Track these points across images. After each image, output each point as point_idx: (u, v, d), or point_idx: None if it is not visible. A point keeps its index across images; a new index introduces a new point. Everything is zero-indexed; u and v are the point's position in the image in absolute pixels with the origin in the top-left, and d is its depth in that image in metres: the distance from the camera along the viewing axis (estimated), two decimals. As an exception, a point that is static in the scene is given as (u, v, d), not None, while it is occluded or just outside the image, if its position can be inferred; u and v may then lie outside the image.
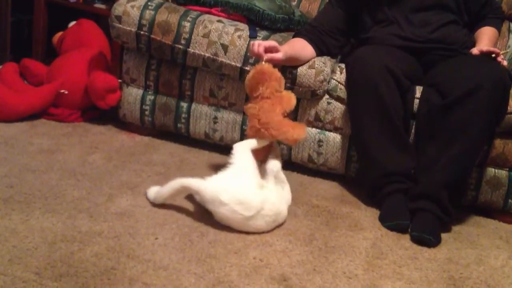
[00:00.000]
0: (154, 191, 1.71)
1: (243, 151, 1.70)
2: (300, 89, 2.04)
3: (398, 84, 1.90)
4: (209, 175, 1.66)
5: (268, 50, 1.86)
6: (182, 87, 2.19)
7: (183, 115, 2.21)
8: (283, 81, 1.84)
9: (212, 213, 1.61)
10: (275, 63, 1.86)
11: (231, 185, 1.60)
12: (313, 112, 2.09)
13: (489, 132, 1.89)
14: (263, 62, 1.83)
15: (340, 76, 2.06)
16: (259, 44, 1.86)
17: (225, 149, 1.81)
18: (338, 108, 2.07)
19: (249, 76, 1.82)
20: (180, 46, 2.10)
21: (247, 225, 1.60)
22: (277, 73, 1.81)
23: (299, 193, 1.97)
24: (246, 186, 1.62)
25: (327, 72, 2.04)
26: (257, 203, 1.59)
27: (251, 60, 2.04)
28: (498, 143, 1.98)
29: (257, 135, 1.75)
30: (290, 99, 1.81)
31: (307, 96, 2.06)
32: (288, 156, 2.16)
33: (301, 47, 2.04)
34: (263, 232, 1.63)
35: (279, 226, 1.69)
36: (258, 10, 2.21)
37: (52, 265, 1.30)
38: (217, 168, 1.74)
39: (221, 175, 1.64)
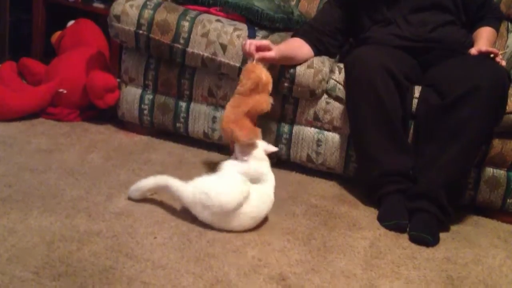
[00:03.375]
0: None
1: (231, 169, 1.72)
2: (299, 89, 2.04)
3: (396, 84, 1.90)
4: (207, 174, 1.67)
5: (259, 49, 1.87)
6: (181, 87, 2.19)
7: (182, 115, 2.21)
8: (269, 84, 1.85)
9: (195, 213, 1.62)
10: (267, 62, 1.87)
11: (211, 187, 1.60)
12: (311, 111, 2.10)
13: (487, 132, 1.89)
14: (254, 61, 1.86)
15: (339, 76, 2.06)
16: (250, 43, 1.87)
17: (224, 149, 1.82)
18: (336, 108, 2.07)
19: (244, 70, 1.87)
20: (179, 46, 2.10)
21: (230, 224, 1.59)
22: (262, 75, 1.82)
23: (298, 193, 1.97)
24: (225, 185, 1.62)
25: (325, 71, 2.04)
26: (237, 201, 1.58)
27: (249, 60, 2.04)
28: (497, 143, 1.98)
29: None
30: (260, 103, 1.82)
31: (306, 96, 2.06)
32: (287, 156, 2.16)
33: (297, 46, 2.04)
34: (261, 231, 1.63)
35: (275, 224, 1.70)
36: (257, 9, 2.20)
37: (51, 264, 1.30)
38: (216, 167, 1.74)
39: (199, 180, 1.64)
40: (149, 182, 1.69)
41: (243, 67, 2.04)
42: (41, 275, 1.26)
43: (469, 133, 1.80)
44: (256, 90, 1.82)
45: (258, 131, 1.83)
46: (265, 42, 1.91)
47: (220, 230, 1.59)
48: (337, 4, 2.18)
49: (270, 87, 1.86)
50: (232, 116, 1.80)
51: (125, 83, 2.27)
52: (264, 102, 1.84)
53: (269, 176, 1.75)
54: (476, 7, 2.18)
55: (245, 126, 1.79)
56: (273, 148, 1.83)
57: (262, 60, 1.86)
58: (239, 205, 1.58)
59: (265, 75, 1.84)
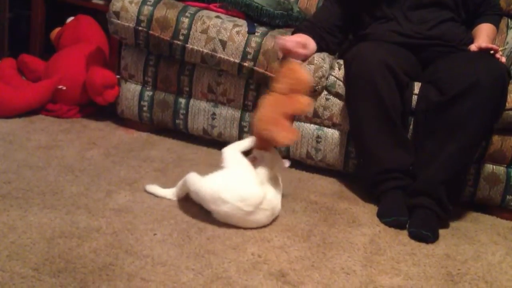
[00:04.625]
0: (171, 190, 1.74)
1: (232, 153, 1.71)
2: (299, 85, 2.03)
3: (396, 80, 1.90)
4: (207, 171, 1.67)
5: (297, 46, 1.86)
6: (180, 83, 2.19)
7: (181, 111, 2.21)
8: (307, 84, 1.78)
9: (211, 212, 1.61)
10: (300, 59, 1.85)
11: (231, 182, 1.60)
12: (311, 108, 2.09)
13: (487, 129, 1.89)
14: (291, 59, 1.83)
15: (339, 72, 2.06)
16: (290, 39, 1.86)
17: (223, 146, 1.82)
18: (336, 104, 2.07)
19: (281, 67, 1.80)
20: (179, 42, 2.10)
21: (247, 220, 1.60)
22: (304, 75, 1.77)
23: (298, 189, 1.97)
24: (246, 182, 1.62)
25: (325, 68, 2.04)
26: (257, 199, 1.59)
27: (249, 56, 2.04)
28: (496, 139, 1.98)
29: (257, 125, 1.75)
30: (302, 104, 1.75)
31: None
32: (287, 153, 2.16)
33: (307, 43, 2.04)
34: (261, 228, 1.63)
35: (275, 220, 1.70)
36: (256, 6, 2.20)
37: (51, 261, 1.30)
38: (215, 164, 1.74)
39: (218, 174, 1.64)
40: (175, 192, 1.73)
41: (242, 63, 2.05)
42: (41, 271, 1.26)
43: (469, 129, 1.80)
44: (296, 90, 1.74)
45: (298, 132, 1.77)
46: (301, 39, 1.88)
47: (220, 226, 1.59)
48: (336, 1, 2.17)
49: (309, 87, 1.80)
50: (271, 116, 1.71)
51: (125, 80, 2.27)
52: (306, 103, 1.74)
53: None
54: (475, 4, 2.18)
55: (285, 127, 1.72)
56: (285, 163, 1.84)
57: (298, 57, 1.84)
58: (259, 203, 1.60)
59: (307, 74, 1.78)
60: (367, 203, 1.95)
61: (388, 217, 1.82)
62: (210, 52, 2.08)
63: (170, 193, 1.74)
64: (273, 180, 1.75)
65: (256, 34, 2.07)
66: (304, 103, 1.75)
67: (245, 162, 1.70)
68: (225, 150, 1.73)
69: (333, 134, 2.10)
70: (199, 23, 2.08)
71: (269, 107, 1.73)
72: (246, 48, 2.05)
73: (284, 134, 1.69)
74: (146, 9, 2.11)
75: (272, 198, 1.66)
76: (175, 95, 2.21)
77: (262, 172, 1.71)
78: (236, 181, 1.61)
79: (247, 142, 1.78)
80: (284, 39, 1.87)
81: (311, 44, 2.06)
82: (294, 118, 1.79)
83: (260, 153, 1.76)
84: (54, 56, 2.49)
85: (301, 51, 1.86)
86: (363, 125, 1.94)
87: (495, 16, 2.21)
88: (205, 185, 1.60)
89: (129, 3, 2.12)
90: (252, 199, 1.58)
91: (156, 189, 1.75)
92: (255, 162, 1.74)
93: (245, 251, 1.50)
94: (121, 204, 1.65)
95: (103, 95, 2.26)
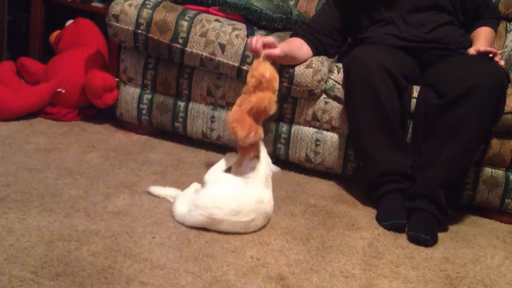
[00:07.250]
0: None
1: (212, 175, 1.72)
2: (298, 89, 2.04)
3: (395, 84, 1.90)
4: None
5: (266, 46, 1.85)
6: (179, 86, 2.19)
7: (181, 114, 2.21)
8: (274, 81, 1.80)
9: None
10: (272, 59, 1.86)
11: (218, 200, 1.58)
12: (310, 111, 2.10)
13: (486, 132, 1.90)
14: (261, 58, 1.82)
15: (338, 75, 2.06)
16: (257, 40, 1.84)
17: (222, 148, 1.82)
18: (335, 107, 2.07)
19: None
20: (178, 45, 2.10)
21: (250, 227, 1.61)
22: (267, 72, 1.77)
23: (296, 193, 1.97)
24: (234, 194, 1.62)
25: (324, 71, 2.04)
26: (253, 206, 1.60)
27: (248, 60, 2.04)
28: (495, 142, 1.98)
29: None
30: (262, 100, 1.76)
31: (305, 96, 2.06)
32: (286, 156, 2.16)
33: (298, 46, 2.04)
34: (260, 231, 1.63)
35: (274, 224, 1.70)
36: (255, 9, 2.20)
37: (49, 264, 1.30)
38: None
39: (201, 198, 1.61)
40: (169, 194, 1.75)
41: (242, 66, 2.05)
42: (40, 274, 1.26)
43: (468, 132, 1.80)
44: (259, 88, 1.76)
45: (260, 129, 1.77)
46: (271, 39, 1.88)
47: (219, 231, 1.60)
48: (335, 4, 2.17)
49: (275, 84, 1.80)
50: (236, 115, 1.75)
51: (124, 83, 2.27)
52: (267, 99, 1.76)
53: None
54: (474, 7, 2.18)
55: (246, 124, 1.73)
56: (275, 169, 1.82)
57: (268, 58, 1.84)
58: (256, 208, 1.61)
59: (269, 72, 1.78)
60: (366, 206, 1.95)
61: (387, 220, 1.82)
62: (209, 56, 2.08)
63: (170, 194, 1.74)
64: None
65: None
66: (265, 99, 1.76)
67: (221, 173, 1.72)
68: (205, 177, 1.72)
69: (332, 137, 2.10)
70: (198, 27, 2.08)
71: (237, 106, 1.76)
72: (245, 51, 2.05)
73: (244, 131, 1.72)
74: (146, 12, 2.11)
75: (270, 201, 1.68)
76: (174, 98, 2.21)
77: (252, 176, 1.72)
78: (222, 198, 1.60)
79: (225, 161, 1.79)
80: (252, 39, 1.85)
81: (304, 49, 2.04)
82: (261, 117, 1.80)
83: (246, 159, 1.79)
84: (53, 59, 2.49)
85: (268, 51, 1.84)
86: (362, 128, 1.94)
87: (494, 20, 2.22)
88: (195, 216, 1.58)
89: (128, 6, 2.13)
90: (247, 209, 1.58)
91: (160, 190, 1.75)
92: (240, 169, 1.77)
93: (244, 254, 1.50)
94: (120, 207, 1.65)
95: (102, 98, 2.26)
